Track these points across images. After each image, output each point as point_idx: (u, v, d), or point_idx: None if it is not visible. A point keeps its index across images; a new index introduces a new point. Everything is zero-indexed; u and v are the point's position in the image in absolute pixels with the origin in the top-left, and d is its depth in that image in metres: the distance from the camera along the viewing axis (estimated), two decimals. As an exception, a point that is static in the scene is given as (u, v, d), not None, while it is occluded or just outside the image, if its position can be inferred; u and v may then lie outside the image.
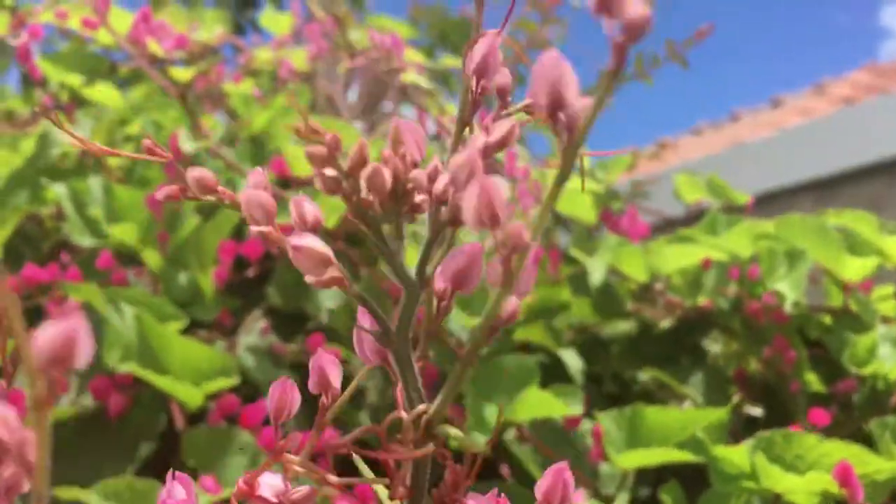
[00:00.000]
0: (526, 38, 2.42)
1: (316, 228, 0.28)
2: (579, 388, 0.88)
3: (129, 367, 0.79)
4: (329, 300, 1.09)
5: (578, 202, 1.19)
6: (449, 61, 2.15)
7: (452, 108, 1.41)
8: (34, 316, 0.89)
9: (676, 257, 1.01)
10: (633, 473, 0.89)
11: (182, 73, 1.12)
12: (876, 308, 0.99)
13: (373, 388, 1.07)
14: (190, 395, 0.79)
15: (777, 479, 0.68)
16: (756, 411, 1.17)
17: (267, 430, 0.77)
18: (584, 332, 1.22)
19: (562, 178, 0.23)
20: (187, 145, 0.97)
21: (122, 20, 1.30)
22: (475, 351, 0.26)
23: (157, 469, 0.77)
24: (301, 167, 0.99)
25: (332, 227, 0.96)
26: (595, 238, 1.18)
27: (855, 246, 1.10)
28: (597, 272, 0.98)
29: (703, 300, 1.07)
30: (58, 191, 1.04)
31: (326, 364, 0.30)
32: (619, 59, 0.22)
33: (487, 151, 0.26)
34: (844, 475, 0.65)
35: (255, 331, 1.05)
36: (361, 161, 0.26)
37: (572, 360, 1.05)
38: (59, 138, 1.14)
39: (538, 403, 0.83)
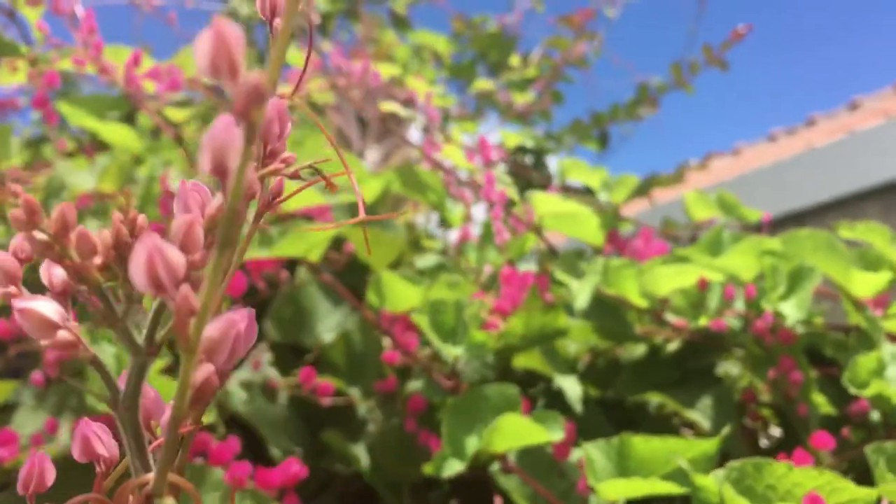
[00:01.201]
0: (560, 56, 2.41)
1: (66, 293, 0.28)
2: (559, 415, 0.86)
3: (105, 407, 0.81)
4: (327, 333, 1.09)
5: (584, 224, 1.17)
6: (482, 84, 2.15)
7: (473, 127, 1.39)
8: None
9: (670, 278, 0.98)
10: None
11: (176, 114, 1.14)
12: (883, 325, 0.95)
13: (372, 421, 1.07)
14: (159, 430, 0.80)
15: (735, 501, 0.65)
16: (777, 432, 1.13)
17: (237, 465, 0.77)
18: (596, 358, 1.20)
19: (222, 244, 0.23)
20: (176, 183, 0.99)
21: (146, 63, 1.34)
22: (176, 425, 0.25)
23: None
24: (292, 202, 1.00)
25: (316, 261, 0.97)
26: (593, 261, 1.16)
27: (867, 260, 1.06)
28: (582, 295, 0.96)
29: (705, 321, 1.03)
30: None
31: (89, 433, 0.29)
32: (247, 127, 0.21)
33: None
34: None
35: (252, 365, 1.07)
36: (64, 226, 0.26)
37: (571, 388, 1.03)
38: (70, 181, 1.18)
39: (515, 431, 0.82)
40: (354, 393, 1.05)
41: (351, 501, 1.06)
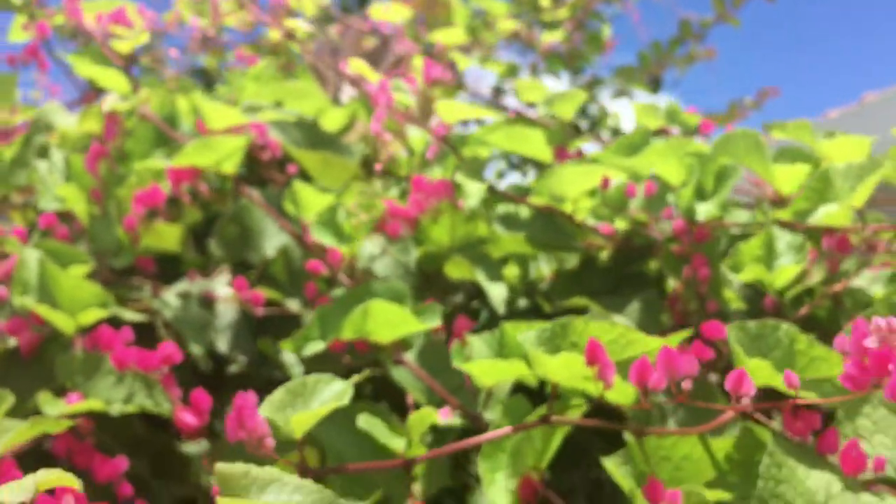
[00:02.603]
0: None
1: None
2: (438, 306, 0.89)
3: (26, 302, 0.89)
4: (273, 251, 1.15)
5: (530, 141, 1.18)
6: (507, 25, 2.16)
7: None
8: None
9: (577, 179, 0.99)
10: (500, 391, 0.90)
11: (122, 46, 1.23)
12: (773, 214, 0.93)
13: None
14: (65, 323, 0.88)
15: (543, 363, 0.67)
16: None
17: (123, 350, 0.84)
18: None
19: None
20: (112, 105, 1.06)
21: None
22: None
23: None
24: (217, 121, 1.06)
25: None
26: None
27: (793, 156, 1.04)
28: (474, 194, 0.98)
29: (624, 224, 1.04)
30: (38, 166, 1.18)
31: None
32: None
33: None
34: (592, 352, 0.64)
35: (219, 279, 1.14)
36: None
37: (495, 291, 1.05)
38: (53, 120, 1.29)
39: (387, 318, 0.85)
40: (293, 304, 1.11)
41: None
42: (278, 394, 0.61)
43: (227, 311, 1.11)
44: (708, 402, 0.85)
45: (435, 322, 0.88)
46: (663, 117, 1.20)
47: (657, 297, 1.06)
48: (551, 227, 1.15)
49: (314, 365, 1.04)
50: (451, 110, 1.01)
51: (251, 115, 1.11)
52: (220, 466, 0.53)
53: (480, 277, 1.08)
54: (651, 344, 0.68)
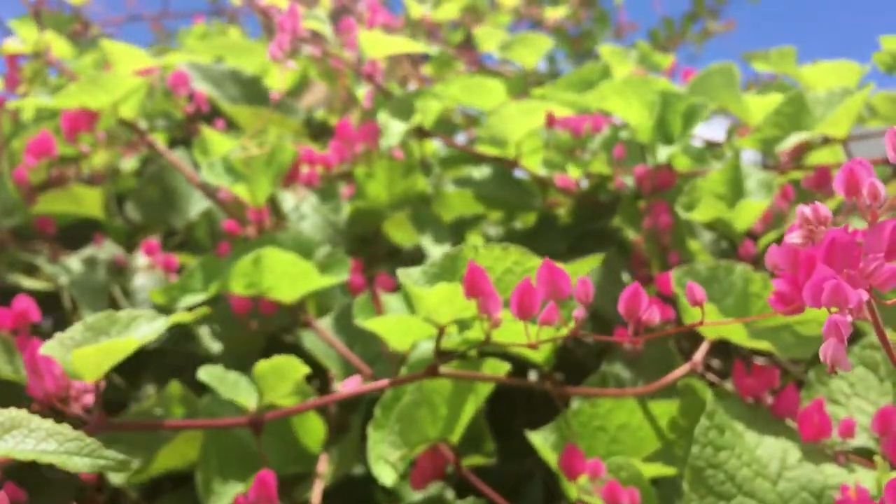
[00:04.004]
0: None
1: None
2: (347, 259, 0.78)
3: None
4: (195, 212, 1.04)
5: (491, 94, 1.05)
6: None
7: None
8: None
9: (518, 117, 0.86)
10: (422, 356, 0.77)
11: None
12: (738, 143, 0.79)
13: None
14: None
15: (421, 299, 0.55)
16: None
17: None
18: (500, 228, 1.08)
19: None
20: (11, 47, 0.96)
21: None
22: None
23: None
24: (124, 65, 0.95)
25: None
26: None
27: (778, 88, 0.90)
28: (394, 133, 0.85)
29: (578, 173, 0.90)
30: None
31: None
32: None
33: None
34: (471, 280, 0.51)
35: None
36: None
37: (431, 248, 0.93)
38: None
39: (285, 269, 0.73)
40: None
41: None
42: (73, 331, 0.49)
43: (147, 280, 1.00)
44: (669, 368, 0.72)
45: (342, 277, 0.76)
46: (634, 60, 1.07)
47: (618, 254, 0.93)
48: (508, 184, 1.03)
49: (231, 342, 0.93)
50: (374, 43, 0.89)
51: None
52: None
53: (423, 239, 0.95)
54: (533, 262, 0.55)
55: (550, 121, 0.85)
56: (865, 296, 0.37)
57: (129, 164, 1.12)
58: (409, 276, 0.57)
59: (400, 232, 0.99)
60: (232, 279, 0.72)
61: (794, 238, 0.40)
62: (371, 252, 1.00)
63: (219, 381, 0.57)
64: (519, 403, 0.94)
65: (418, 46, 0.95)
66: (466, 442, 0.79)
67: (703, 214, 0.72)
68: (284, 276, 0.74)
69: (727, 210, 0.72)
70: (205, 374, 0.56)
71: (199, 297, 0.74)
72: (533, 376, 1.03)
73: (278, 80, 1.19)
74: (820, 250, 0.37)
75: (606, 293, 0.93)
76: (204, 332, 0.93)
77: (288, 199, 0.96)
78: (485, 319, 0.52)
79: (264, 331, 0.86)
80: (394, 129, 0.85)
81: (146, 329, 0.50)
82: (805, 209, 0.39)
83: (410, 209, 0.97)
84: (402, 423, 0.60)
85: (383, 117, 0.87)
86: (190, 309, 0.77)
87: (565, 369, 0.92)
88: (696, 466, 0.55)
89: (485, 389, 0.67)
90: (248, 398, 0.56)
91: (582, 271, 0.55)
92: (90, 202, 1.04)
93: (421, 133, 0.94)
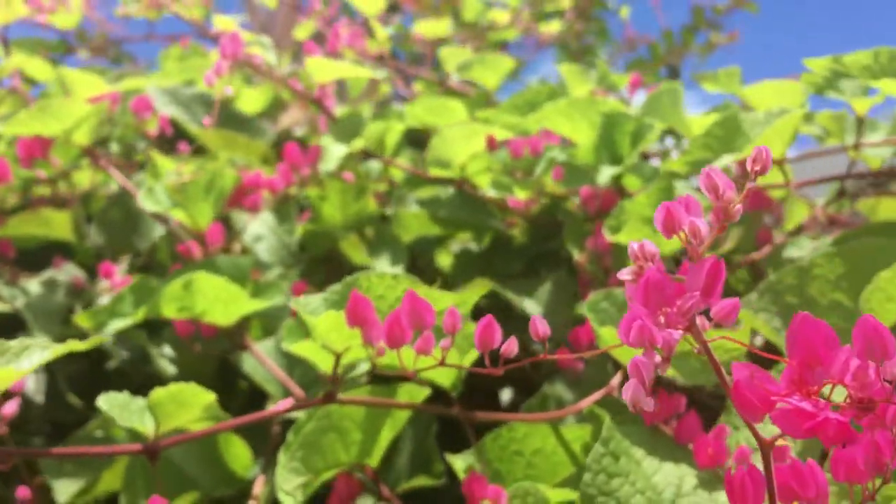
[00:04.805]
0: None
1: None
2: (280, 283, 0.78)
3: None
4: (158, 233, 1.06)
5: (453, 114, 1.06)
6: (496, 15, 2.05)
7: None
8: None
9: (460, 139, 0.86)
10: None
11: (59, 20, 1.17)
12: (663, 167, 0.79)
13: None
14: None
15: (313, 328, 0.56)
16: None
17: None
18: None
19: None
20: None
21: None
22: None
23: None
24: (82, 91, 0.98)
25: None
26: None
27: (725, 108, 0.90)
28: (333, 157, 0.86)
29: (524, 194, 0.91)
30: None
31: None
32: None
33: None
34: (353, 309, 0.51)
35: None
36: None
37: (383, 268, 0.94)
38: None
39: (216, 293, 0.74)
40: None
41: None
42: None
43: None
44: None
45: (274, 300, 0.77)
46: (594, 80, 1.07)
47: (568, 276, 0.93)
48: (468, 205, 1.03)
49: (184, 364, 0.94)
50: (321, 68, 0.90)
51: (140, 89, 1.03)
52: None
53: (376, 260, 0.96)
54: (443, 301, 0.55)
55: (491, 144, 0.85)
56: (677, 335, 0.37)
57: (102, 187, 1.14)
58: (306, 304, 0.57)
59: (357, 253, 1.00)
60: (163, 303, 0.73)
61: (626, 275, 0.40)
62: (328, 273, 1.01)
63: (121, 408, 0.58)
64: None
65: (363, 72, 0.96)
66: (414, 463, 0.80)
67: (629, 237, 0.72)
68: (216, 300, 0.75)
69: (653, 234, 0.72)
70: (104, 401, 0.57)
71: (126, 322, 0.75)
72: (507, 395, 1.04)
73: (251, 102, 1.21)
74: (636, 289, 0.38)
75: (556, 314, 0.94)
76: (159, 354, 0.95)
77: (244, 222, 0.97)
78: (369, 347, 0.53)
79: (212, 354, 0.87)
80: (334, 153, 0.86)
81: (37, 358, 0.51)
82: (634, 245, 0.39)
83: (370, 229, 0.98)
84: (305, 449, 0.61)
85: (325, 140, 0.88)
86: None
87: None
88: (587, 494, 0.55)
89: (403, 414, 0.68)
90: (147, 426, 0.57)
91: (468, 301, 0.56)
92: (59, 225, 1.07)
93: (366, 155, 0.95)
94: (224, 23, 1.02)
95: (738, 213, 0.38)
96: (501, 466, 0.68)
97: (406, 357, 0.52)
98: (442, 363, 0.48)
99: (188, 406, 0.58)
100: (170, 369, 0.94)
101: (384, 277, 0.55)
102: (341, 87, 1.41)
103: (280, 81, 0.89)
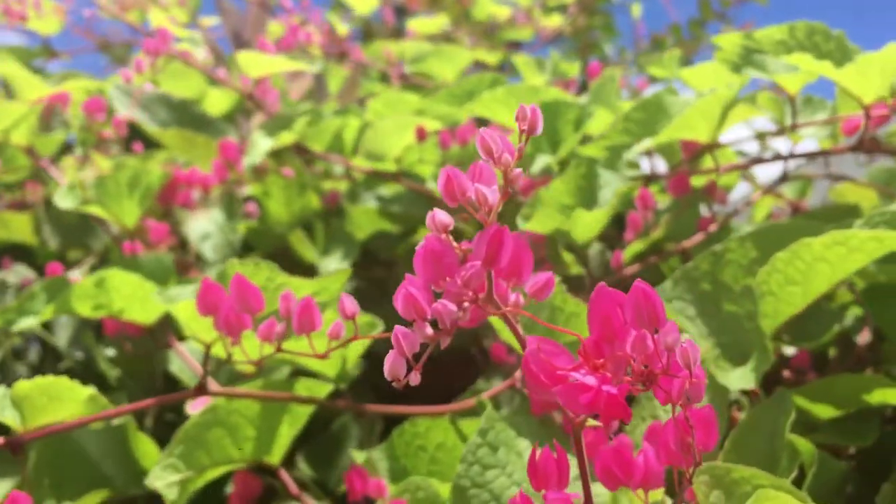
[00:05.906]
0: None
1: None
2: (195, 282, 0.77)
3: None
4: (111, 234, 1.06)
5: (407, 104, 1.05)
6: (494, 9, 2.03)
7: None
8: None
9: (393, 132, 0.85)
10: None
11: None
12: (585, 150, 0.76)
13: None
14: None
15: (177, 315, 0.55)
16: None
17: None
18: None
19: None
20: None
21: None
22: None
23: None
24: (28, 92, 0.98)
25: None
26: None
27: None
28: (257, 152, 0.85)
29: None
30: None
31: None
32: None
33: None
34: (203, 296, 0.50)
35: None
36: None
37: (324, 264, 0.92)
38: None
39: (132, 291, 0.73)
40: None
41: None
42: None
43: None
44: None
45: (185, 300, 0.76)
46: (549, 71, 1.04)
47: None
48: (420, 200, 1.01)
49: (126, 364, 0.94)
50: (252, 62, 0.89)
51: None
52: None
53: (321, 257, 0.95)
54: (306, 288, 0.54)
55: (420, 135, 0.83)
56: (453, 307, 0.35)
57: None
58: (175, 296, 0.56)
59: (307, 250, 0.99)
60: (74, 301, 0.73)
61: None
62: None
63: (-5, 401, 0.57)
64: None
65: (297, 65, 0.95)
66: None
67: (541, 226, 0.70)
68: (133, 298, 0.74)
69: (564, 221, 0.69)
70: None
71: (35, 319, 0.74)
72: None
73: (217, 104, 1.21)
74: (416, 259, 0.36)
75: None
76: (101, 356, 0.94)
77: (190, 219, 0.97)
78: (223, 336, 0.51)
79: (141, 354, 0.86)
80: (260, 147, 0.84)
81: None
82: (428, 216, 0.37)
83: (319, 226, 0.96)
84: (186, 445, 0.59)
85: (255, 135, 0.87)
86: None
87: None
88: (459, 486, 0.53)
89: (304, 410, 0.66)
90: (14, 420, 0.56)
91: (330, 287, 0.54)
92: (19, 227, 1.07)
93: (300, 150, 0.93)
94: (159, 19, 1.02)
95: (517, 176, 0.36)
96: (408, 462, 0.66)
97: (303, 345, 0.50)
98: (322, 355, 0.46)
99: (62, 400, 0.57)
100: (112, 371, 0.93)
101: (247, 266, 0.54)
102: (320, 86, 1.40)
103: (213, 76, 0.88)
